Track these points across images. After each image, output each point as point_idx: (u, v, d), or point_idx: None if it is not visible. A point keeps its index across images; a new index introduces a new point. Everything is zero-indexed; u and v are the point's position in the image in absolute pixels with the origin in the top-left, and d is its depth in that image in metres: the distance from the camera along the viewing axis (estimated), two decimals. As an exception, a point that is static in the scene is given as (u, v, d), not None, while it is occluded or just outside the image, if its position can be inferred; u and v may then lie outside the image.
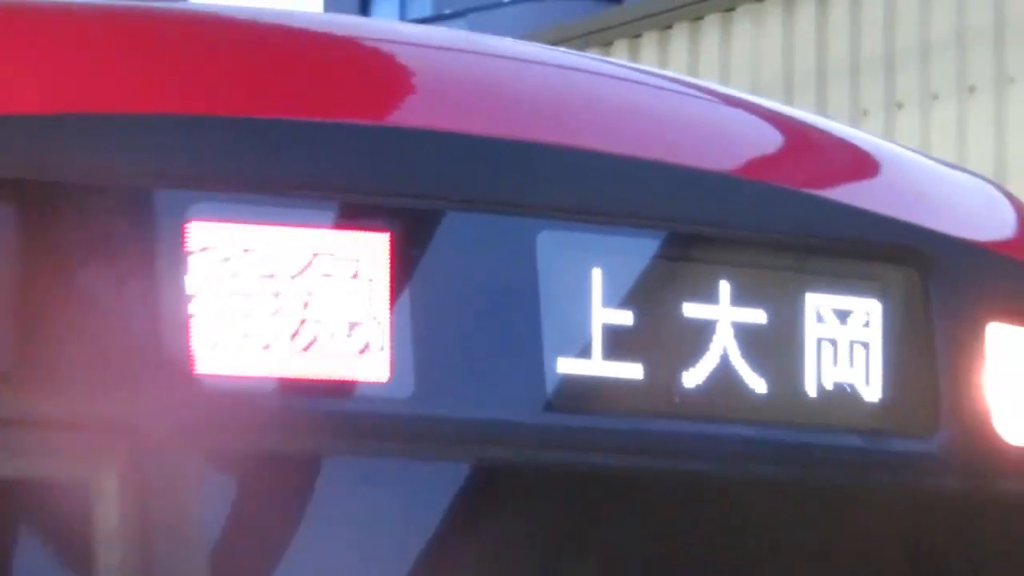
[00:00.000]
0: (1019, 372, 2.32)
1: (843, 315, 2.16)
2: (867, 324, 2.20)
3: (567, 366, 1.91)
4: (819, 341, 2.14)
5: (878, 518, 2.19)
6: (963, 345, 2.25)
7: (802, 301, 2.12)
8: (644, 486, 2.00)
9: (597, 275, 1.86)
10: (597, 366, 1.94)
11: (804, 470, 2.12)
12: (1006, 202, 2.55)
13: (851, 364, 2.19)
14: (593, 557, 1.98)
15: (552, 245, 1.86)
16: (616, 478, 1.98)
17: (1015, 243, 2.41)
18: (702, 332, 2.03)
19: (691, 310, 2.03)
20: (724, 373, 2.02)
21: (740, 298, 2.07)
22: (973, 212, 2.39)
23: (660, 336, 1.99)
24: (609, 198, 1.91)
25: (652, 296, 2.00)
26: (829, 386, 2.16)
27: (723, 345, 2.04)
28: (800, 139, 2.43)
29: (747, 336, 2.07)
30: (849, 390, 2.19)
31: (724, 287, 2.04)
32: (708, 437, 2.02)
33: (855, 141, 2.50)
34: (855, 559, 2.15)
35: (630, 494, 2.00)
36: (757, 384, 2.05)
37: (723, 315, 2.04)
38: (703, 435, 2.01)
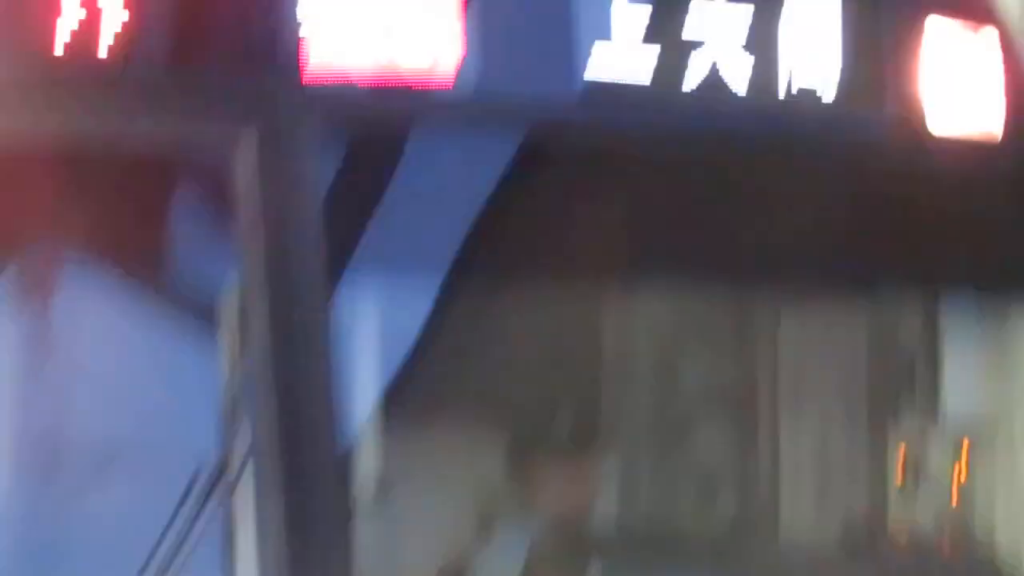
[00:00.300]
0: (943, 67, 2.88)
1: (809, 20, 2.71)
2: (827, 26, 2.75)
3: (596, 61, 2.47)
4: (790, 38, 2.71)
5: (834, 182, 2.83)
6: (902, 41, 2.83)
7: (778, 8, 2.66)
8: (654, 153, 2.59)
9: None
10: (619, 61, 2.50)
11: (778, 142, 2.71)
12: None
13: (815, 56, 2.77)
14: (618, 206, 2.61)
15: None
16: (632, 151, 2.57)
17: None
18: (700, 39, 2.59)
19: (690, 25, 2.57)
20: (717, 66, 2.61)
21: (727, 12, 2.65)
22: None
23: (670, 34, 2.57)
24: None
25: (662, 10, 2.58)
26: (797, 77, 2.75)
27: (716, 44, 2.61)
28: None
29: (734, 40, 2.64)
30: (812, 81, 2.78)
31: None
32: (709, 117, 2.61)
33: None
34: (812, 211, 2.76)
35: (645, 162, 2.59)
36: (742, 76, 2.64)
37: (714, 27, 2.60)
38: (706, 115, 2.61)
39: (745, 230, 2.81)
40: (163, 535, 2.02)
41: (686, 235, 2.74)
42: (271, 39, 2.19)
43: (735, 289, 3.03)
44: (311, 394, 2.09)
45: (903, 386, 3.42)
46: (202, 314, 2.22)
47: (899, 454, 3.41)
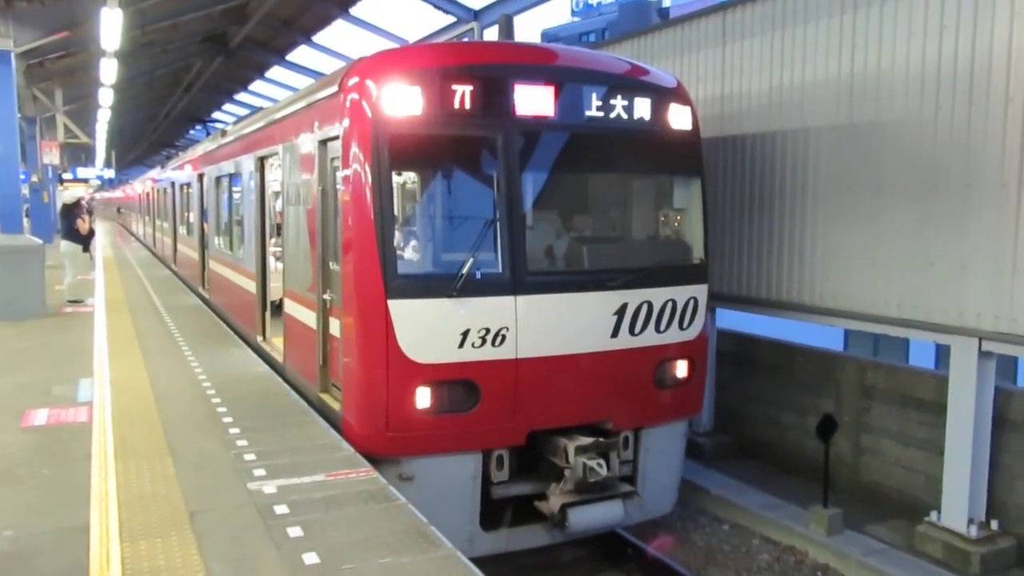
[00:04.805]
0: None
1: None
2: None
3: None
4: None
5: (635, 151, 7.33)
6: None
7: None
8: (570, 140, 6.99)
9: None
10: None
11: (613, 135, 7.06)
12: None
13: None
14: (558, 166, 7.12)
15: None
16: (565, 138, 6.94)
17: None
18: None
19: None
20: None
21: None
22: None
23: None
24: None
25: None
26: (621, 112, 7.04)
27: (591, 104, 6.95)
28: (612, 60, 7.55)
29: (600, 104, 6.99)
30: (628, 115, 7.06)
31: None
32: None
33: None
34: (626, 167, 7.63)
35: (567, 143, 7.00)
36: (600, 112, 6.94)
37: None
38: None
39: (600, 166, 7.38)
40: None
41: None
42: (505, 104, 6.47)
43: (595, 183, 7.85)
44: None
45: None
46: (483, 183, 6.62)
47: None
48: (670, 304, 6.99)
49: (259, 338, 10.16)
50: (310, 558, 4.13)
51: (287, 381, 8.29)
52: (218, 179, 13.54)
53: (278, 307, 9.44)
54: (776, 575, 7.43)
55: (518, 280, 6.36)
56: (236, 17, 22.10)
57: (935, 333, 7.33)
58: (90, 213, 21.60)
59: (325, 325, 7.38)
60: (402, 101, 6.15)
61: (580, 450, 6.45)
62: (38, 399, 7.58)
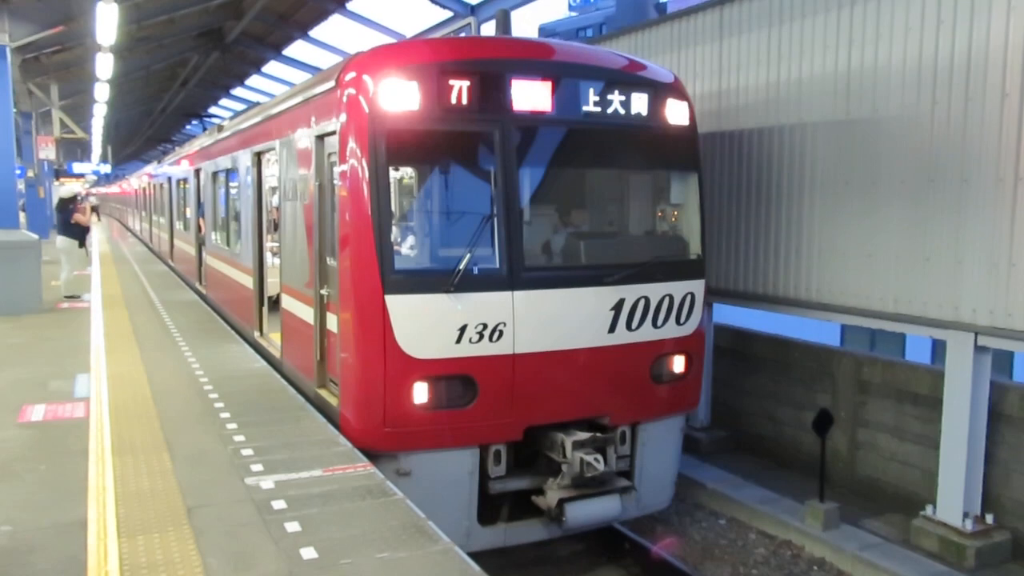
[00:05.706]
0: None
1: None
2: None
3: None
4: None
5: (632, 146, 7.34)
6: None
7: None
8: (568, 134, 6.96)
9: None
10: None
11: (610, 130, 6.99)
12: None
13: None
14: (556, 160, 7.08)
15: None
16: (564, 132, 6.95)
17: None
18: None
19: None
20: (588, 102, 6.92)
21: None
22: None
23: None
24: None
25: None
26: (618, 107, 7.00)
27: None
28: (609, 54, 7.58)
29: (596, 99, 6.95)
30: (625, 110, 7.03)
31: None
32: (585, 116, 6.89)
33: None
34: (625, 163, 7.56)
35: (565, 137, 6.96)
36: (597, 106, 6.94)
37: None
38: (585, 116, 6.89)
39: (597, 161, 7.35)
40: None
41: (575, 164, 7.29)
42: (502, 99, 6.48)
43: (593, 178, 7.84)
44: None
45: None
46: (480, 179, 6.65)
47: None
48: (667, 299, 7.01)
49: (256, 334, 10.17)
50: (308, 553, 4.15)
51: (284, 377, 8.30)
52: (215, 174, 13.53)
53: (275, 303, 9.45)
54: (772, 569, 7.46)
55: (515, 276, 6.36)
56: (232, 12, 22.06)
57: (931, 328, 7.35)
58: (95, 210, 21.59)
59: (322, 321, 7.40)
60: (399, 96, 6.14)
61: (577, 445, 6.48)
62: (35, 394, 7.58)
